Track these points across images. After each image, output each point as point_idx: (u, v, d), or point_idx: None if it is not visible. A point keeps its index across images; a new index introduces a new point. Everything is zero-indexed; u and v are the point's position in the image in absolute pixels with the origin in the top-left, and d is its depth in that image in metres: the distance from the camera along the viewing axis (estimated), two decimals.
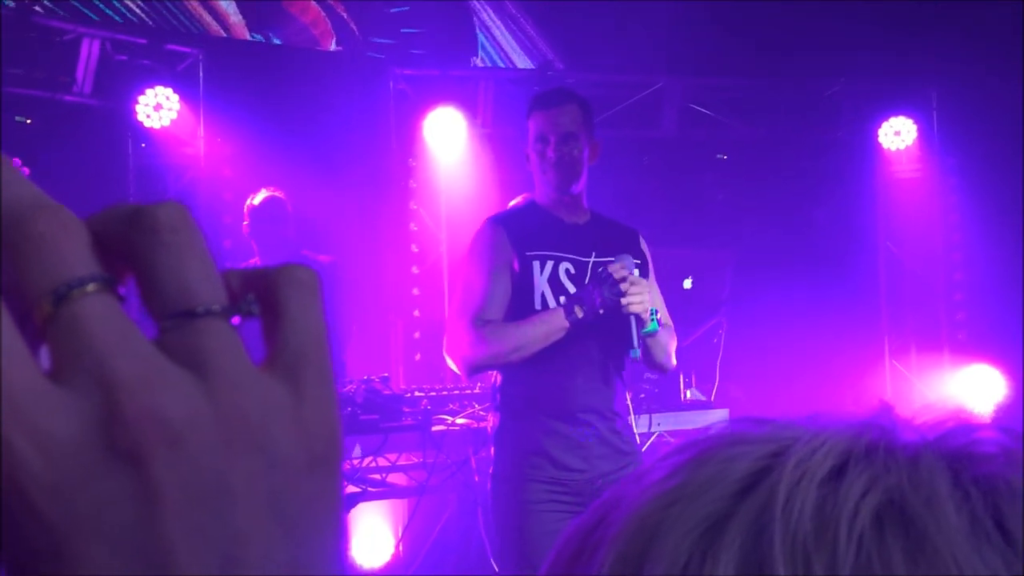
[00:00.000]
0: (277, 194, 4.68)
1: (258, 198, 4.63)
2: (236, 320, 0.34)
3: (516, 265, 2.90)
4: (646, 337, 2.90)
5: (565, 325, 2.80)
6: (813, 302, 6.36)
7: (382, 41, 7.02)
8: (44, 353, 0.32)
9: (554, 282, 2.90)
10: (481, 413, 4.03)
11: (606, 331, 2.88)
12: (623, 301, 2.80)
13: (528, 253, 2.90)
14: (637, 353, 2.82)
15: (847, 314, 6.68)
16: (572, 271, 2.92)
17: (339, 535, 0.34)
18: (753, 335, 5.87)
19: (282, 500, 0.32)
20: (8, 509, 0.30)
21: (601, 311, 2.79)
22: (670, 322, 3.09)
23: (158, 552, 0.30)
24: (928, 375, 6.78)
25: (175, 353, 0.32)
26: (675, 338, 3.08)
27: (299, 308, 0.34)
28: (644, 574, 0.39)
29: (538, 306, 2.89)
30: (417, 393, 4.02)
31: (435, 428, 3.90)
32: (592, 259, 2.94)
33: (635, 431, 3.13)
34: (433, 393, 4.04)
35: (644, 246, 3.10)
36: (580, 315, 2.79)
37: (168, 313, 0.32)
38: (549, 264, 2.90)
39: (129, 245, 0.33)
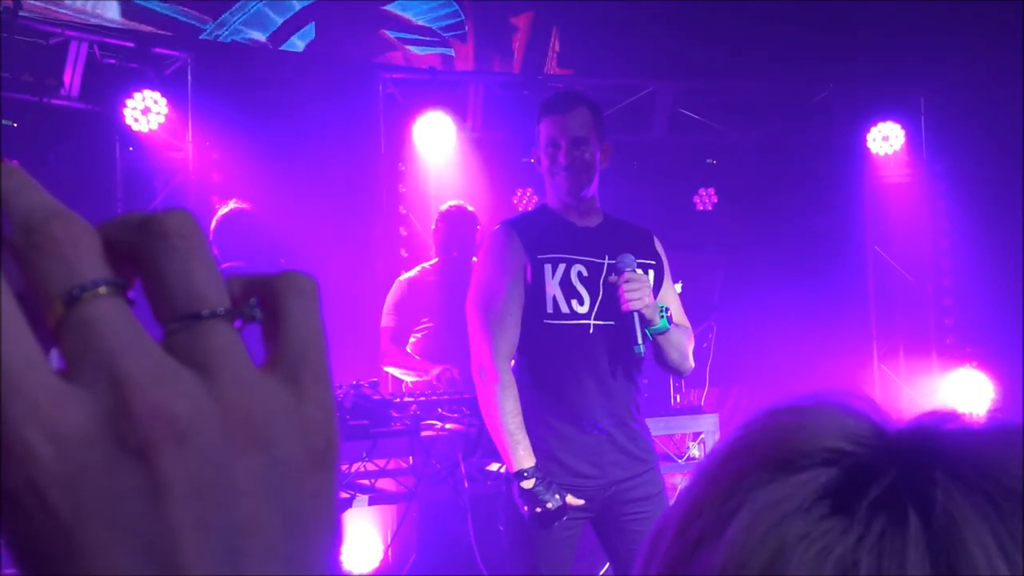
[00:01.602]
0: (239, 207, 4.58)
1: (216, 218, 4.49)
2: (238, 324, 0.35)
3: (529, 269, 2.91)
4: (657, 335, 2.90)
5: (516, 468, 2.83)
6: (802, 306, 6.37)
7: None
8: (55, 355, 0.33)
9: (565, 285, 2.90)
10: (470, 419, 4.02)
11: (616, 334, 2.89)
12: (625, 297, 2.80)
13: (540, 256, 2.91)
14: (640, 349, 2.82)
15: (836, 318, 6.69)
16: (585, 273, 2.91)
17: (335, 532, 0.35)
18: (743, 339, 5.87)
19: (283, 496, 0.33)
20: (20, 503, 0.31)
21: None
22: (686, 323, 3.08)
23: (164, 543, 0.31)
24: (916, 379, 6.80)
25: (181, 354, 0.33)
26: (692, 339, 3.07)
27: (299, 313, 0.36)
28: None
29: (549, 309, 2.89)
30: (406, 398, 4.00)
31: (424, 433, 3.88)
32: (606, 260, 2.93)
33: (652, 433, 3.11)
34: (422, 398, 4.02)
35: (659, 247, 3.10)
36: (529, 486, 2.82)
37: (175, 315, 0.34)
38: (561, 267, 2.90)
39: (139, 250, 0.34)
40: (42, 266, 0.33)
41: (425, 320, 4.64)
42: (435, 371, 4.33)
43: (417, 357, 4.63)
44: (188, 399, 0.32)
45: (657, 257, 3.05)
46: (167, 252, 0.34)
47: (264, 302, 0.36)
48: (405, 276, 4.80)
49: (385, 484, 4.04)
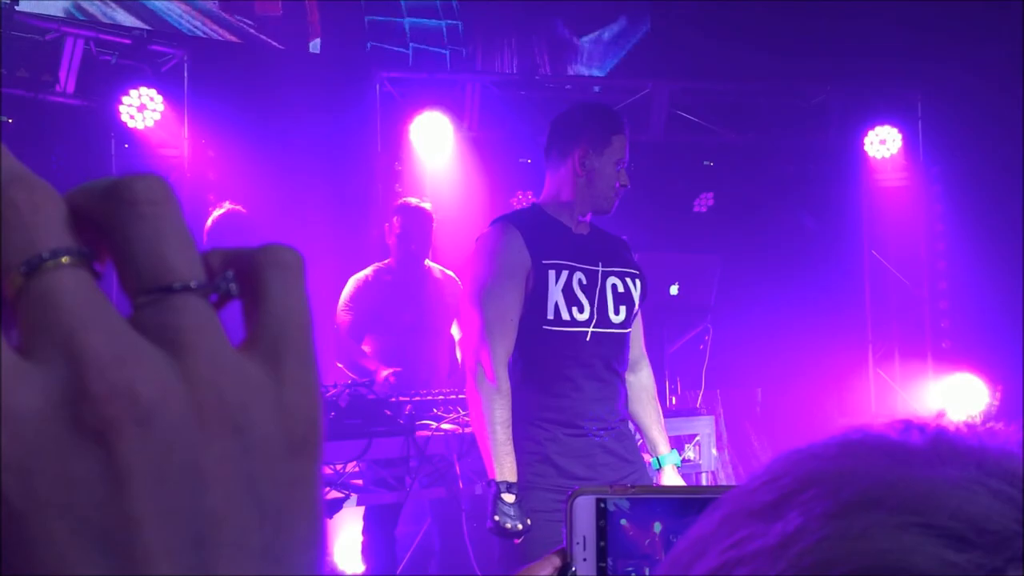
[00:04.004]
0: (234, 209, 4.61)
1: (211, 219, 4.56)
2: (214, 298, 0.32)
3: (532, 272, 2.88)
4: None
5: (500, 479, 2.79)
6: (798, 309, 6.37)
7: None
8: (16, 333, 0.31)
9: (568, 292, 2.89)
10: (466, 419, 4.00)
11: (610, 341, 2.92)
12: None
13: (545, 261, 2.88)
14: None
15: (832, 321, 6.69)
16: (584, 281, 2.91)
17: (318, 523, 0.33)
18: (739, 341, 5.86)
19: (258, 484, 0.31)
20: None
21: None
22: (643, 349, 3.17)
23: (124, 534, 0.29)
24: (912, 383, 6.80)
25: (149, 330, 0.31)
26: (652, 379, 3.21)
27: (281, 289, 0.33)
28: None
29: (550, 315, 2.87)
30: (401, 398, 3.99)
31: (419, 433, 3.87)
32: (600, 268, 2.95)
33: (636, 438, 3.14)
34: (418, 398, 4.01)
35: (632, 256, 3.13)
36: (510, 500, 2.79)
37: (144, 288, 0.31)
38: (564, 274, 2.89)
39: (106, 218, 0.32)
40: (0, 232, 0.30)
41: (379, 319, 4.56)
42: (385, 372, 4.27)
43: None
44: (152, 379, 0.30)
45: (639, 267, 3.08)
46: (135, 220, 0.31)
47: (244, 276, 0.33)
48: (360, 275, 4.68)
49: (379, 484, 4.02)
